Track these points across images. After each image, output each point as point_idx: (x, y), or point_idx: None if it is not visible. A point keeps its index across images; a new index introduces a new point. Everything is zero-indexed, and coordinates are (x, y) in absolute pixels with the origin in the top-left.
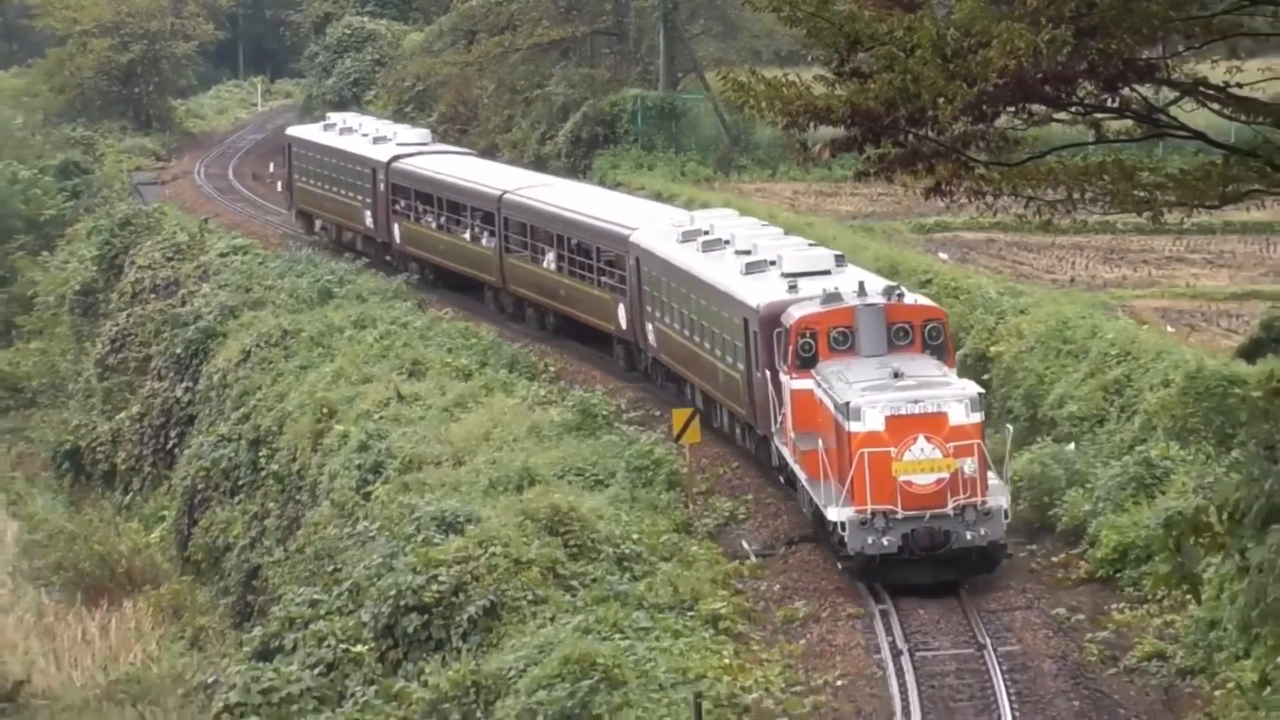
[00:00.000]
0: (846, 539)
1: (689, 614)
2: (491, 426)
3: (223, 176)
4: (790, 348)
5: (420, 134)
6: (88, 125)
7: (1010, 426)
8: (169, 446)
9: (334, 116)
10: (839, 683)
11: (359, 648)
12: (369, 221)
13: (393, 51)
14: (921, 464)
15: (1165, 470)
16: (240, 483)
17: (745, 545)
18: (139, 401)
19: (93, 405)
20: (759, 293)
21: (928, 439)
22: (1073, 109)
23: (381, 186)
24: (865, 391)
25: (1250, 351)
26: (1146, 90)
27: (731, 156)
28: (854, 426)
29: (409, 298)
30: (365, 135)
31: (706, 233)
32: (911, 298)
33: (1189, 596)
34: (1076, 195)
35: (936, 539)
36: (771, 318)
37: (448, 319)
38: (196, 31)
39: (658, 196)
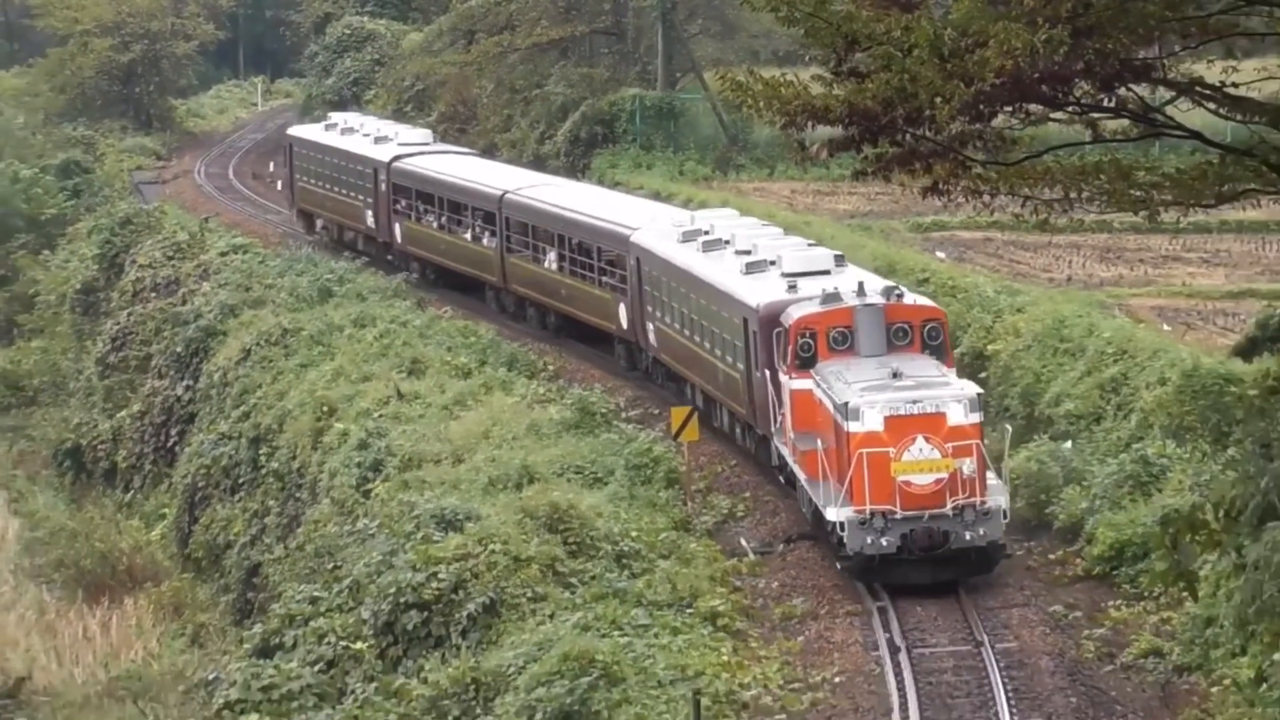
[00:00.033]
0: (845, 539)
1: (687, 611)
2: (491, 424)
3: (223, 176)
4: (789, 348)
5: (421, 134)
6: (89, 125)
7: (1009, 426)
8: (170, 444)
9: (335, 116)
10: (837, 680)
11: (359, 645)
12: (370, 221)
13: (392, 51)
14: (920, 464)
15: (1162, 468)
16: (241, 480)
17: (743, 543)
18: (140, 400)
19: (94, 403)
20: (759, 292)
21: (926, 439)
22: (1069, 109)
23: (383, 186)
24: (864, 392)
25: (1246, 350)
26: (1143, 90)
27: (730, 156)
28: (853, 426)
29: (408, 296)
30: (367, 135)
31: (707, 233)
32: (911, 298)
33: (1185, 594)
34: (1073, 194)
35: (935, 539)
36: (771, 318)
37: (447, 317)
38: (197, 31)
39: (656, 196)
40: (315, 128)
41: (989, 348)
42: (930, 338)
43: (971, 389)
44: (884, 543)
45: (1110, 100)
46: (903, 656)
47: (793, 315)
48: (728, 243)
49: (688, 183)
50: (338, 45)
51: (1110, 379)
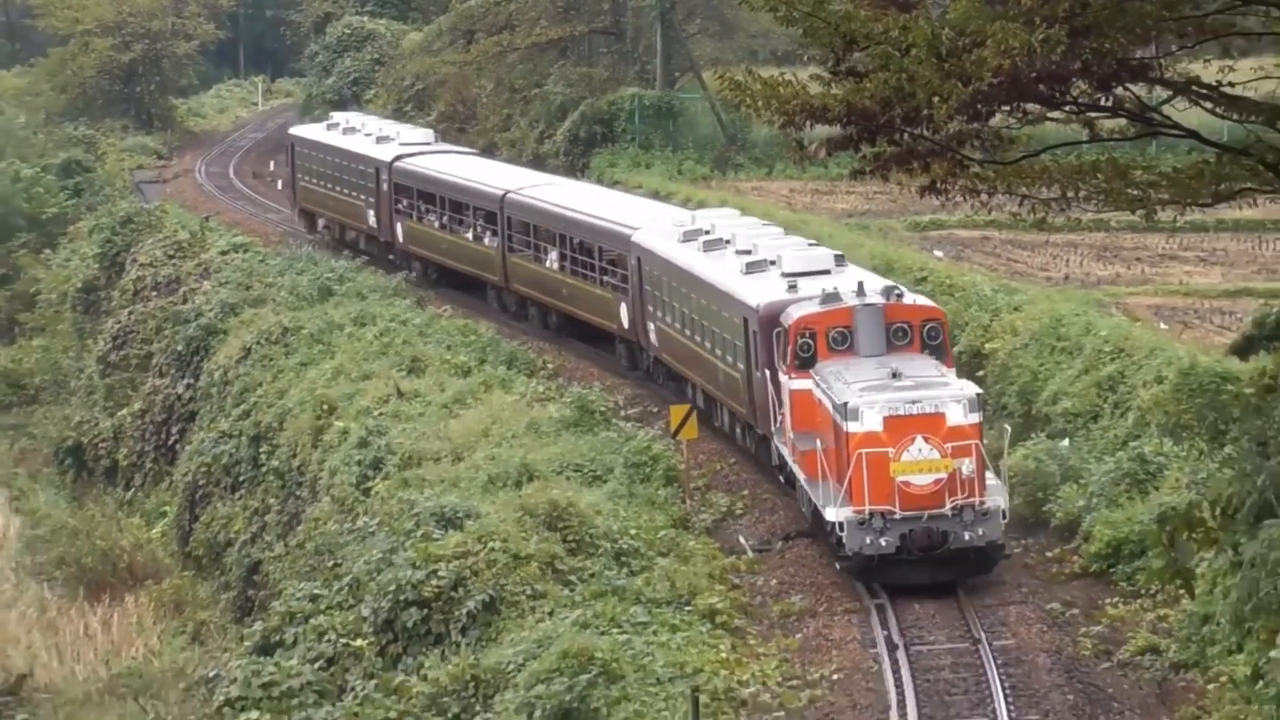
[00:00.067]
0: (845, 539)
1: (686, 609)
2: (490, 423)
3: (223, 175)
4: (789, 347)
5: (423, 134)
6: (90, 124)
7: (1008, 426)
8: (170, 443)
9: (337, 116)
10: (835, 677)
11: (359, 642)
12: (372, 221)
13: (392, 51)
14: (919, 464)
15: (1159, 466)
16: (241, 479)
17: (742, 540)
18: (141, 398)
19: (95, 402)
20: (759, 292)
21: (926, 439)
22: (1067, 108)
23: (384, 186)
24: (863, 392)
25: (1243, 348)
26: (1140, 89)
27: (728, 155)
28: (852, 427)
29: (408, 295)
30: (368, 135)
31: (707, 232)
32: (910, 298)
33: (1182, 591)
34: (1070, 193)
35: (934, 539)
36: (771, 317)
37: (446, 316)
38: (197, 31)
39: (655, 195)
40: (317, 127)
41: (986, 346)
42: (930, 338)
43: (971, 389)
44: (883, 543)
45: (1107, 99)
46: (901, 654)
47: (792, 315)
48: (728, 242)
49: (686, 182)
50: (338, 45)
51: (1107, 377)
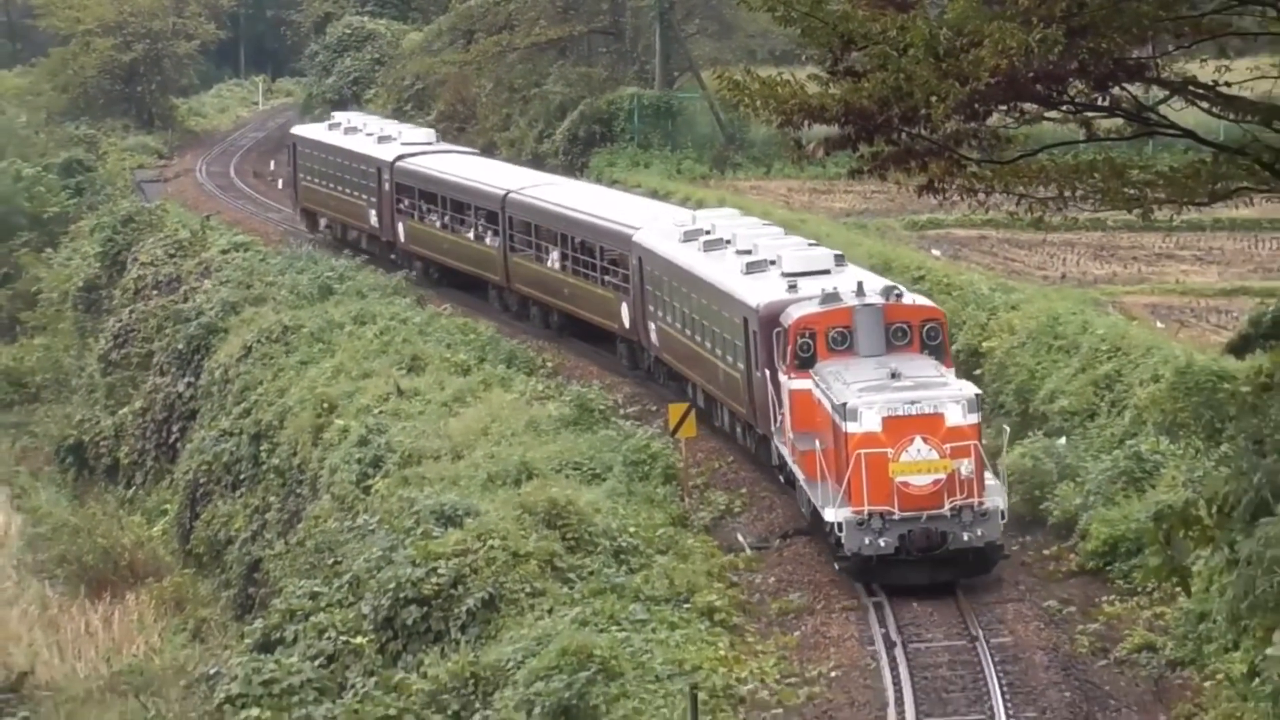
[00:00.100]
0: (843, 539)
1: (685, 606)
2: (490, 421)
3: (224, 174)
4: (789, 348)
5: (425, 133)
6: (91, 124)
7: (1007, 427)
8: (171, 441)
9: (339, 116)
10: (833, 674)
11: (359, 639)
12: (374, 220)
13: (392, 51)
14: (918, 465)
15: (1155, 464)
16: (241, 477)
17: (740, 538)
18: (142, 396)
19: (96, 400)
20: (759, 292)
21: (925, 440)
22: (1064, 108)
23: (386, 185)
24: (862, 392)
25: (1239, 347)
26: (1136, 89)
27: (727, 154)
28: (851, 427)
29: (408, 294)
30: (370, 134)
31: (708, 232)
32: (910, 298)
33: (1179, 589)
34: (1067, 193)
35: (933, 540)
36: (771, 317)
37: (446, 315)
38: (198, 31)
39: (654, 194)
40: (319, 127)
41: (984, 345)
42: (929, 338)
43: (970, 389)
44: (882, 543)
45: (1104, 99)
46: (898, 651)
47: (792, 315)
48: (729, 242)
49: (685, 181)
50: (338, 45)
51: (1104, 376)
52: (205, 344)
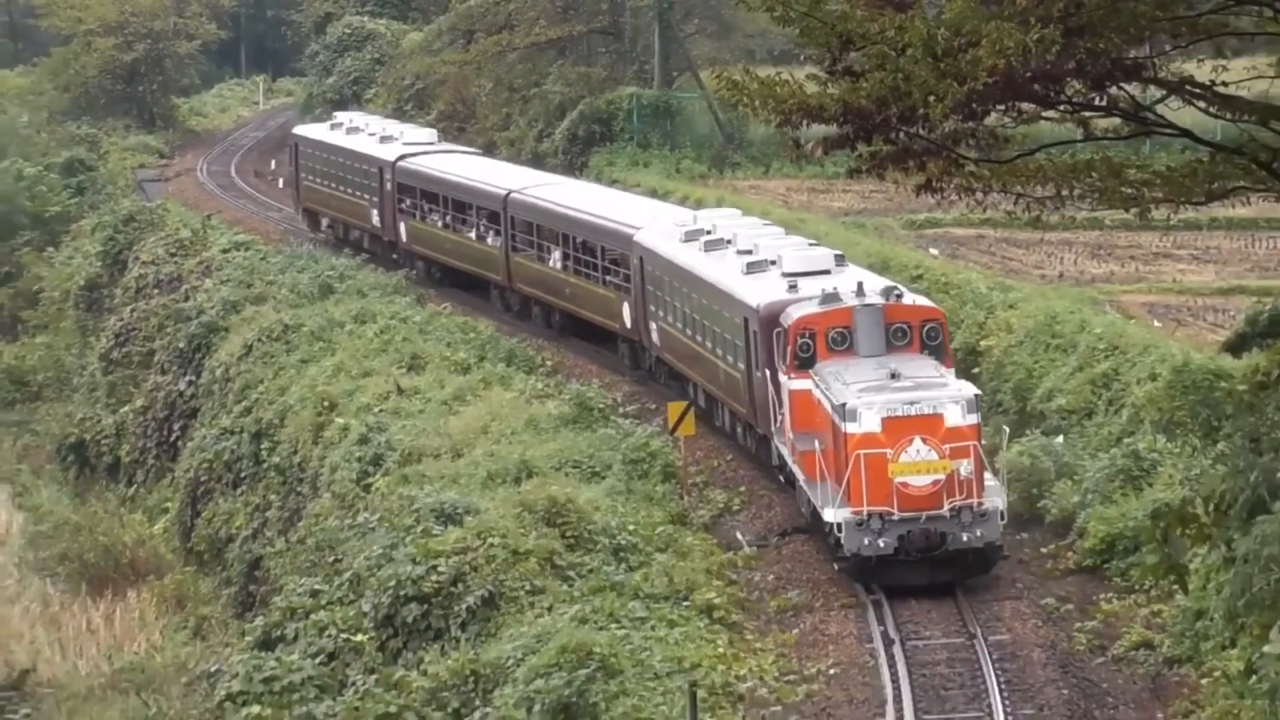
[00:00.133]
0: (843, 540)
1: (684, 604)
2: (490, 419)
3: (225, 174)
4: (789, 348)
5: (427, 133)
6: (92, 123)
7: (1007, 428)
8: (172, 439)
9: (341, 116)
10: (832, 671)
11: (359, 637)
12: (376, 220)
13: (392, 51)
14: (918, 465)
15: (1152, 462)
16: (242, 475)
17: (739, 536)
18: (143, 395)
19: (97, 399)
20: (759, 292)
21: (924, 440)
22: (1061, 107)
23: (388, 185)
24: (862, 393)
25: (1236, 346)
26: (1134, 89)
27: (725, 154)
28: (850, 428)
29: (408, 293)
30: (372, 134)
31: (709, 232)
32: (910, 298)
33: (1176, 587)
34: (1065, 192)
35: (932, 540)
36: (771, 318)
37: (446, 314)
38: (199, 31)
39: (653, 193)
40: (321, 127)
41: (982, 344)
42: (929, 338)
43: (969, 390)
44: (881, 544)
45: (1101, 99)
46: (897, 649)
47: (792, 315)
48: (729, 242)
49: (684, 180)
50: (338, 45)
51: (1101, 374)
52: (206, 343)
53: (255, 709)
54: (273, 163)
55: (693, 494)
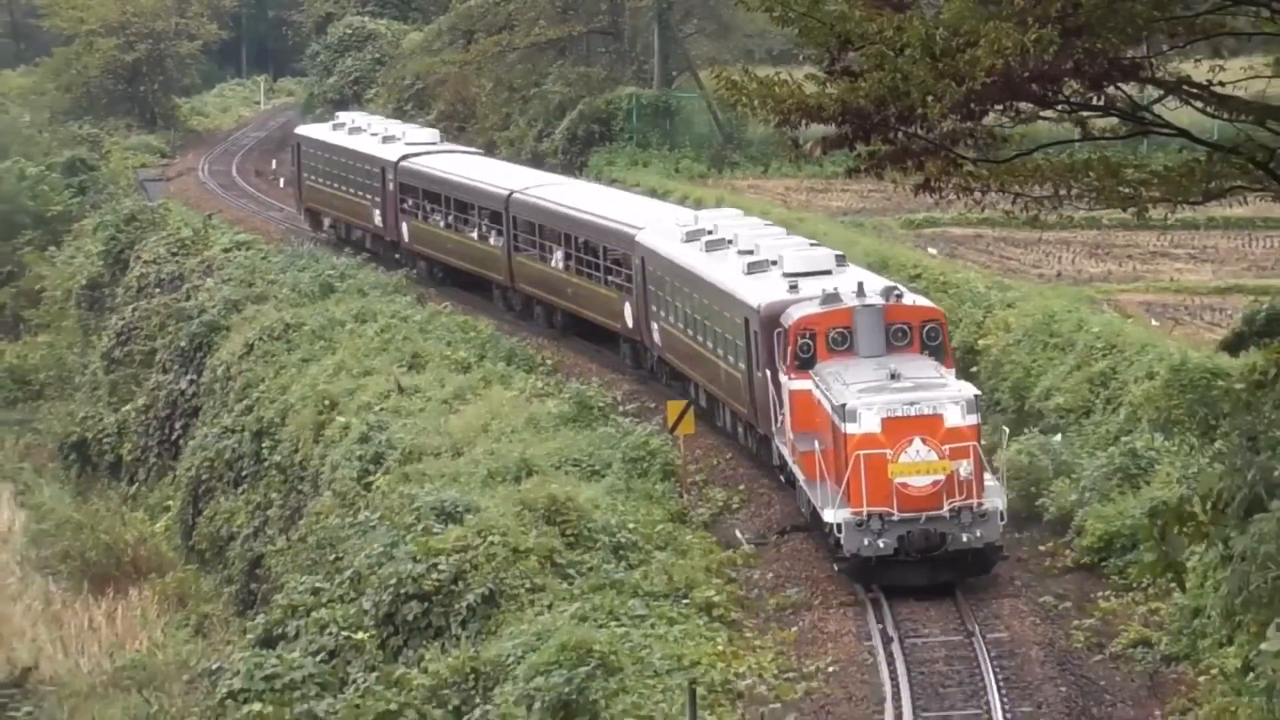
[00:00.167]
0: (842, 540)
1: (683, 602)
2: (490, 418)
3: (226, 173)
4: (789, 348)
5: (429, 133)
6: (94, 123)
7: (1006, 428)
8: (174, 438)
9: (343, 116)
10: (831, 669)
11: (360, 635)
12: (378, 220)
13: (393, 51)
14: (917, 466)
15: (1150, 461)
16: (243, 473)
17: (739, 534)
18: (144, 394)
19: (99, 397)
20: (760, 293)
21: (924, 441)
22: (1059, 107)
23: (390, 185)
24: (862, 393)
25: (1233, 344)
26: (1131, 89)
27: (725, 153)
28: (850, 428)
29: (409, 292)
30: (374, 134)
31: (710, 232)
32: (910, 298)
33: (1174, 584)
34: (1063, 191)
35: (932, 541)
36: (771, 318)
37: (447, 313)
38: (201, 31)
39: (652, 193)
40: (323, 127)
41: (980, 342)
42: (929, 338)
43: (969, 390)
44: (881, 544)
45: (1099, 99)
46: (895, 647)
47: (792, 316)
48: (730, 242)
49: (683, 180)
50: (339, 45)
51: (1099, 373)
52: (207, 341)
53: (256, 706)
54: (274, 162)
55: (692, 492)
